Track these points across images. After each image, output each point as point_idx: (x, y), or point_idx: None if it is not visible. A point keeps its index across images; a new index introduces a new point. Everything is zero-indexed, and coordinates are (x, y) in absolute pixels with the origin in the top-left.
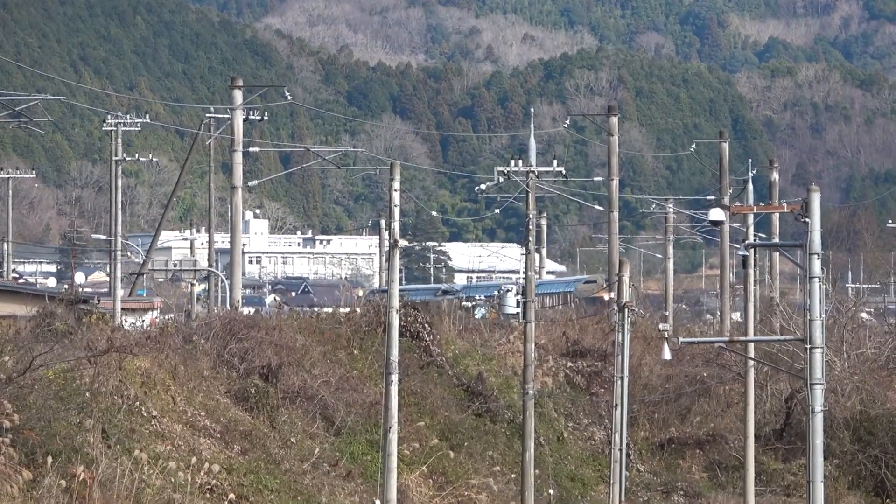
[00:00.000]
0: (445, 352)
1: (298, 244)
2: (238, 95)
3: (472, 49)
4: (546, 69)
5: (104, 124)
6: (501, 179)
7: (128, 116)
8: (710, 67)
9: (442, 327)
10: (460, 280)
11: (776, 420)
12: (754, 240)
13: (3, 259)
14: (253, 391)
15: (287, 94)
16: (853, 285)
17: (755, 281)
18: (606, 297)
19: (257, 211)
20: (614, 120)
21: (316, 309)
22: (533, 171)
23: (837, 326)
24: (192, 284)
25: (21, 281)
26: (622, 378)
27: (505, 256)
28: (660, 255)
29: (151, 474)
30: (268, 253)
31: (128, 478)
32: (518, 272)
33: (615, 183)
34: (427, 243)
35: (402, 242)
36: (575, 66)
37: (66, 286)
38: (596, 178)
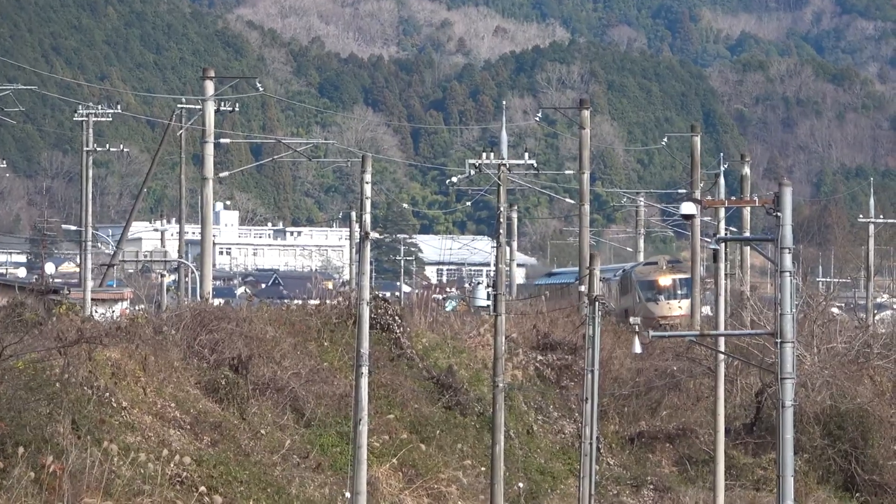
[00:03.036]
0: (416, 344)
1: (269, 236)
2: (209, 86)
3: (443, 41)
4: (517, 62)
5: (75, 114)
6: (472, 172)
7: (99, 107)
8: (682, 61)
9: (412, 320)
10: (430, 273)
11: (746, 414)
12: (725, 234)
13: None
14: (223, 382)
15: (258, 85)
16: (824, 280)
17: (726, 275)
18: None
19: (228, 202)
20: (586, 113)
21: (286, 301)
22: (504, 164)
23: (808, 321)
24: (163, 275)
25: None
26: (592, 371)
27: (476, 249)
28: (630, 249)
29: (121, 465)
30: (238, 244)
31: (97, 469)
32: (489, 265)
33: (586, 176)
34: (398, 235)
35: (373, 234)
36: (546, 59)
37: (36, 276)
38: (567, 172)
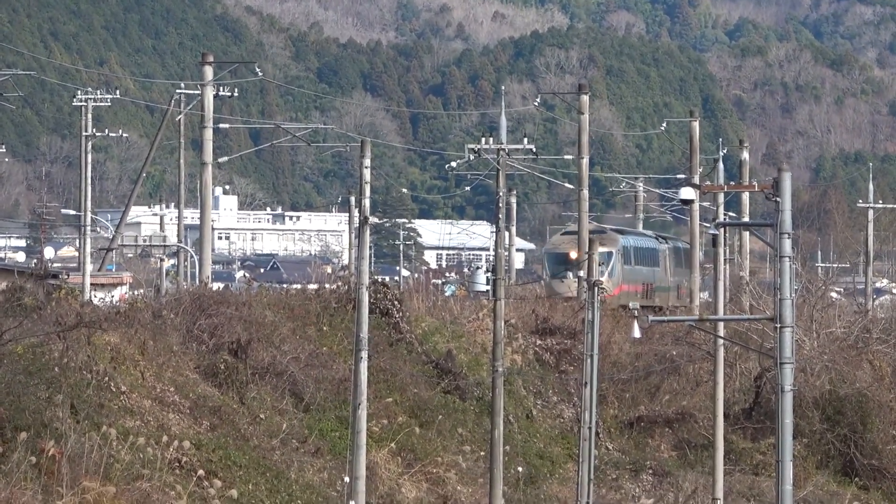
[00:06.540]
0: (415, 329)
1: (268, 220)
2: (208, 71)
3: (442, 27)
4: (516, 47)
5: (74, 100)
6: (472, 157)
7: (98, 92)
8: (681, 46)
9: (412, 304)
10: (430, 257)
11: (745, 399)
12: (724, 219)
13: None
14: (222, 367)
15: (257, 70)
16: (823, 265)
17: (725, 260)
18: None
19: (227, 187)
20: (585, 98)
21: (285, 285)
22: (503, 149)
23: (807, 306)
24: (162, 260)
25: None
26: (591, 356)
27: (475, 234)
28: None
29: (120, 450)
30: (237, 229)
31: (97, 453)
32: (489, 249)
33: (585, 161)
34: (397, 220)
35: (372, 219)
36: (545, 44)
37: (35, 261)
38: (566, 157)
